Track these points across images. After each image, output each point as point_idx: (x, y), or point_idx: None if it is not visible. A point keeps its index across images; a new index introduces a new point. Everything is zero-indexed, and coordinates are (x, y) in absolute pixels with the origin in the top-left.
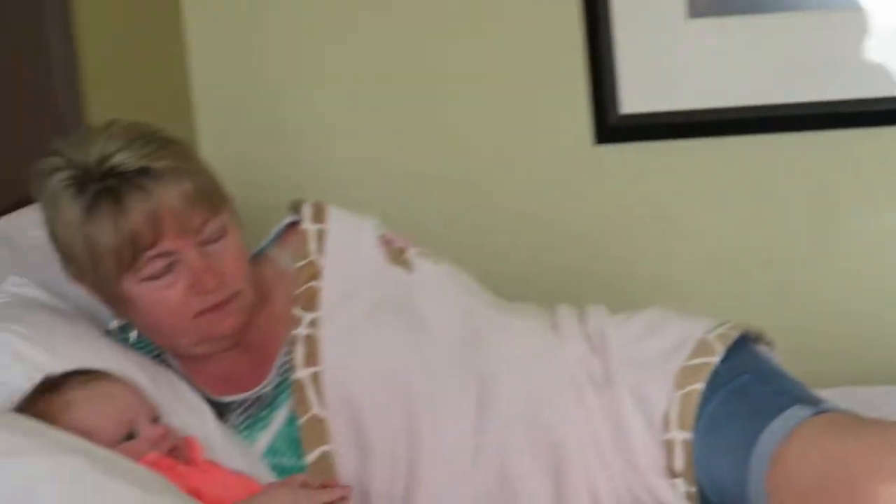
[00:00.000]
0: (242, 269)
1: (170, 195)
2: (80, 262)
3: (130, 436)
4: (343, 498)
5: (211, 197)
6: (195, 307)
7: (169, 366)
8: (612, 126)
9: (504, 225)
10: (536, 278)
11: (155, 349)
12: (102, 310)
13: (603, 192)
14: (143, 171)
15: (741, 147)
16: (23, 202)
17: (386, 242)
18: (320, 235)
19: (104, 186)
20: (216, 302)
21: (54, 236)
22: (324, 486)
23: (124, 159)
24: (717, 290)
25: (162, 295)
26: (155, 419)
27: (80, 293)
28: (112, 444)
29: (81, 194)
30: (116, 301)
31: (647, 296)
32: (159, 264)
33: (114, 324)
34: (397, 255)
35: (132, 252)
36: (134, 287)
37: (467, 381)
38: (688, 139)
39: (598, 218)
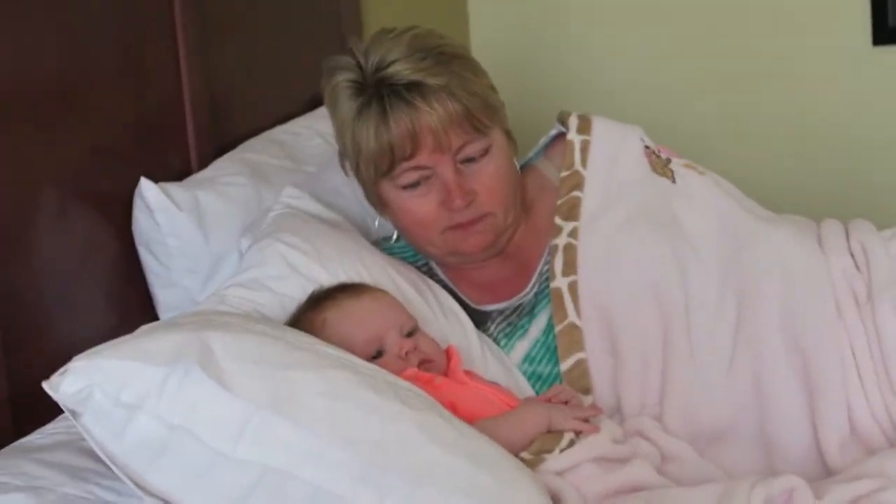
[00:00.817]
0: (499, 191)
1: (433, 114)
2: (349, 158)
3: (380, 353)
4: (595, 413)
5: (478, 119)
6: (442, 222)
7: (434, 274)
8: (892, 27)
9: (776, 131)
10: (807, 187)
11: (422, 258)
12: (371, 220)
13: (880, 96)
14: (415, 85)
15: None
16: (310, 105)
17: (651, 153)
18: (584, 146)
19: (375, 93)
20: (463, 221)
21: (334, 128)
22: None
23: (399, 69)
24: None
25: (414, 204)
26: (411, 331)
27: (350, 206)
28: (364, 360)
29: (356, 96)
30: (377, 200)
31: None
32: (413, 176)
33: (377, 225)
34: (662, 166)
35: (389, 160)
36: (391, 192)
37: (725, 291)
38: None
39: (875, 124)
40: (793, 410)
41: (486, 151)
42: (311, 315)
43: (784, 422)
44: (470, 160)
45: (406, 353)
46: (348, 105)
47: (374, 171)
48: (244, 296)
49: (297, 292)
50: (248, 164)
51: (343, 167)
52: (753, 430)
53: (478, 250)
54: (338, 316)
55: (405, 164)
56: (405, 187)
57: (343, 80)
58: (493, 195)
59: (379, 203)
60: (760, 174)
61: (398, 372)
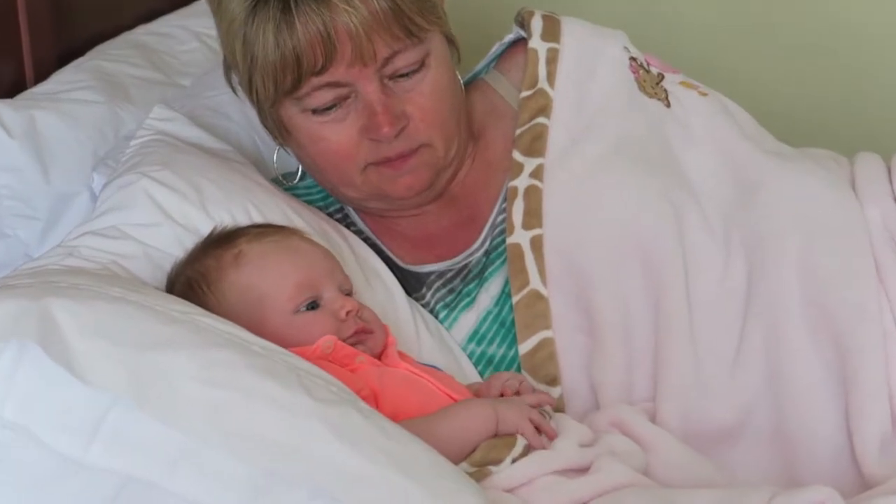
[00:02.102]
0: (439, 115)
1: (353, 13)
2: (238, 70)
3: (313, 304)
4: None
5: (411, 20)
6: (364, 156)
7: (352, 223)
8: None
9: (802, 40)
10: (839, 114)
11: (336, 202)
12: (268, 151)
13: None
14: None
15: None
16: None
17: (638, 67)
18: (552, 57)
19: None
20: (391, 154)
21: (219, 31)
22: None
23: None
24: None
25: (327, 132)
26: (348, 292)
27: (240, 131)
28: (288, 313)
29: None
30: (277, 126)
31: None
32: (327, 96)
33: (276, 158)
34: (653, 83)
35: (294, 75)
36: (296, 115)
37: (732, 250)
38: None
39: None
40: (818, 402)
41: (421, 64)
42: (216, 251)
43: (807, 417)
44: (401, 76)
45: (346, 314)
46: (238, 1)
47: (274, 88)
48: (99, 247)
49: (169, 243)
50: (102, 76)
51: (229, 82)
52: (768, 427)
53: (410, 193)
54: (261, 248)
55: (315, 80)
56: (316, 111)
57: None
58: (431, 120)
59: (279, 130)
60: (779, 96)
61: (320, 334)
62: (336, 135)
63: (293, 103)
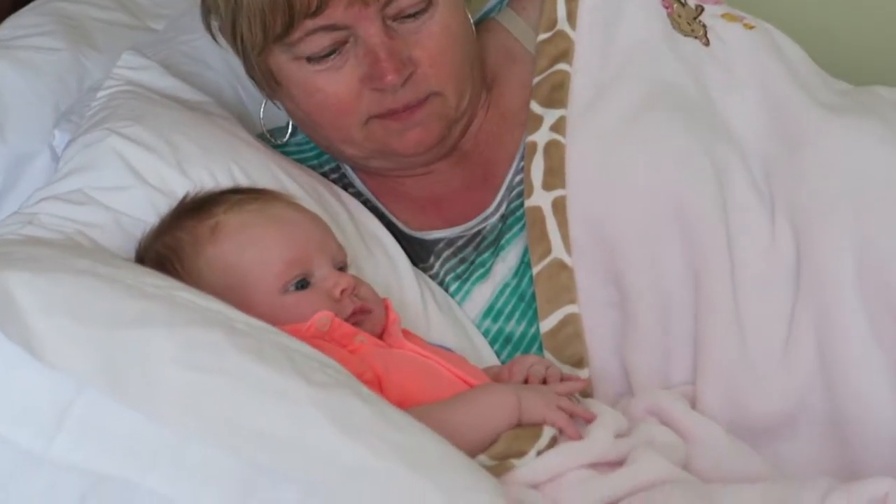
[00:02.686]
0: (449, 59)
1: None
2: (219, 14)
3: (303, 283)
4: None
5: None
6: (366, 107)
7: (350, 184)
8: None
9: None
10: None
11: (332, 160)
12: (253, 103)
13: None
14: None
15: None
16: None
17: (673, 0)
18: None
19: None
20: (397, 106)
21: None
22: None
23: None
24: None
25: (323, 81)
26: (342, 265)
27: (221, 81)
28: (275, 293)
29: None
30: (266, 76)
31: None
32: (323, 41)
33: (263, 113)
34: (689, 18)
35: (286, 17)
36: (288, 64)
37: (778, 213)
38: None
39: None
40: (878, 387)
41: (428, 2)
42: (189, 222)
43: (866, 403)
44: (406, 17)
45: (342, 293)
46: None
47: (263, 32)
48: (62, 213)
49: (142, 208)
50: (63, 19)
51: (209, 27)
52: (823, 415)
53: (419, 149)
54: (241, 219)
55: (309, 23)
56: (310, 59)
57: None
58: (441, 65)
59: (268, 81)
60: (841, 28)
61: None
62: (333, 85)
63: (284, 50)
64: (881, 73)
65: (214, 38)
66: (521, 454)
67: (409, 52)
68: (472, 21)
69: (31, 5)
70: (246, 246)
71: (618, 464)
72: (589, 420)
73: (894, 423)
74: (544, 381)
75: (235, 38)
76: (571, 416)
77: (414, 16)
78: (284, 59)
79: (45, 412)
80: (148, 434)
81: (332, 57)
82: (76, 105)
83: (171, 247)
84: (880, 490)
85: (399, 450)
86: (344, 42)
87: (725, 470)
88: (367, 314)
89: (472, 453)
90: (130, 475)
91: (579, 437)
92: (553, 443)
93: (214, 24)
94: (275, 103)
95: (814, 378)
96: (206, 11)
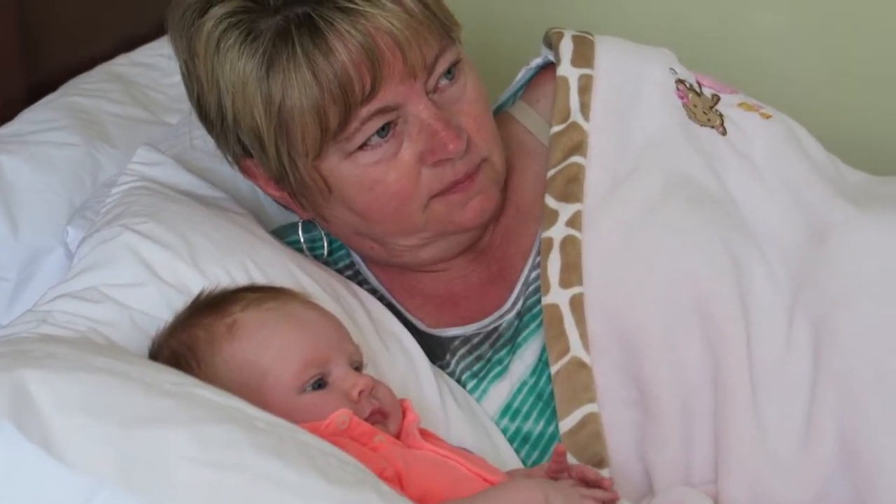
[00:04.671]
0: (489, 123)
1: (391, 17)
2: (258, 138)
3: (321, 383)
4: (615, 498)
5: (443, 14)
6: (428, 187)
7: (365, 281)
8: None
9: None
10: None
11: (345, 256)
12: (269, 199)
13: None
14: None
15: None
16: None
17: (687, 90)
18: (585, 85)
19: (288, 16)
20: (459, 176)
21: (207, 105)
22: (589, 482)
23: None
24: None
25: (381, 173)
26: (358, 365)
27: (237, 175)
28: (293, 393)
29: (255, 37)
30: (307, 192)
31: None
32: (377, 125)
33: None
34: (706, 108)
35: (343, 107)
36: (340, 165)
37: (797, 307)
38: None
39: None
40: None
41: (461, 68)
42: (205, 320)
43: (892, 499)
44: (444, 84)
45: (359, 394)
46: (245, 58)
47: (320, 130)
48: (77, 311)
49: (157, 306)
50: (77, 114)
51: (226, 155)
52: (848, 501)
53: (483, 217)
54: (259, 318)
55: (364, 111)
56: (362, 147)
57: (220, 19)
58: (484, 130)
59: (311, 194)
60: (861, 118)
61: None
62: (392, 172)
63: (337, 150)
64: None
65: (232, 165)
66: None
67: (457, 121)
68: None
69: (45, 99)
70: (264, 345)
71: None
72: None
73: None
74: (578, 478)
75: (279, 153)
76: None
77: (450, 82)
78: (337, 159)
79: None
80: None
81: (384, 145)
82: (90, 201)
83: (186, 344)
84: None
85: None
86: (393, 126)
87: None
88: (384, 416)
89: None
90: None
91: None
92: None
93: (237, 150)
94: (312, 222)
95: (837, 473)
96: (227, 145)
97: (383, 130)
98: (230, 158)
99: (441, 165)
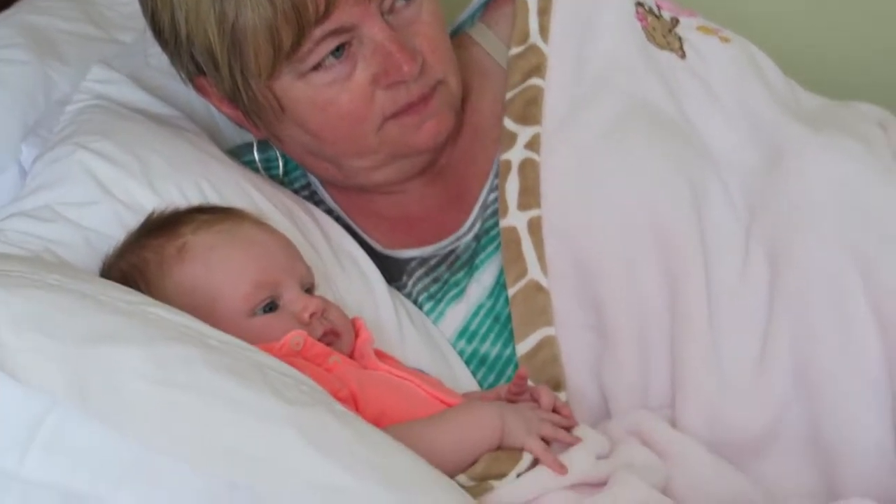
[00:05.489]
0: (445, 45)
1: None
2: (211, 57)
3: (272, 305)
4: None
5: None
6: (382, 108)
7: (321, 201)
8: None
9: None
10: (884, 65)
11: (302, 176)
12: (224, 118)
13: None
14: None
15: None
16: None
17: (647, 13)
18: (544, 6)
19: None
20: (413, 98)
21: (161, 22)
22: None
23: None
24: None
25: (334, 93)
26: (309, 287)
27: (191, 92)
28: (243, 316)
29: None
30: (261, 111)
31: None
32: (330, 46)
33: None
34: (665, 31)
35: (295, 28)
36: (293, 86)
37: (754, 231)
38: None
39: None
40: (858, 405)
41: None
42: (155, 241)
43: (846, 421)
44: (398, 9)
45: (310, 316)
46: None
47: (273, 50)
48: (30, 230)
49: (110, 224)
50: (30, 31)
51: (180, 73)
52: (803, 433)
53: (437, 140)
54: (209, 240)
55: (318, 31)
56: (316, 67)
57: None
58: (440, 52)
59: (266, 113)
60: (814, 42)
61: (280, 338)
62: (345, 93)
63: (290, 70)
64: (865, 90)
65: (186, 82)
66: (501, 476)
67: (412, 43)
68: None
69: None
70: (214, 268)
71: (598, 485)
72: (572, 444)
73: (877, 444)
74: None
75: (229, 77)
76: (553, 441)
77: (406, 5)
78: (290, 79)
79: (16, 430)
80: (119, 451)
81: (338, 65)
82: (44, 119)
83: (136, 266)
84: None
85: (374, 469)
86: (348, 46)
87: (706, 490)
88: (336, 337)
89: (452, 473)
90: (101, 492)
91: (558, 467)
92: (534, 464)
93: (190, 66)
94: (268, 141)
95: (792, 397)
96: (177, 56)
97: (337, 51)
98: (184, 76)
99: (395, 87)
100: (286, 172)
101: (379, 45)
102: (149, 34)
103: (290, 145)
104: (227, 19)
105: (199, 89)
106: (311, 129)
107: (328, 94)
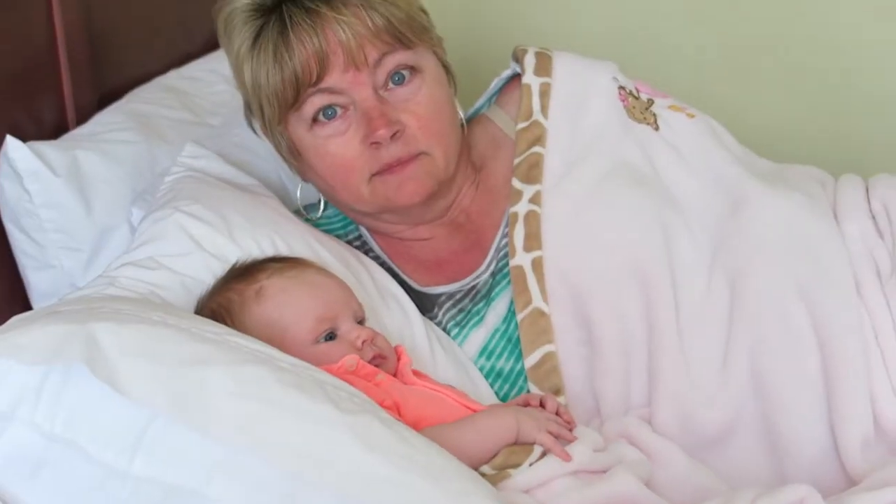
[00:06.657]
0: (435, 124)
1: (344, 23)
2: (250, 100)
3: (331, 335)
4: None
5: (400, 31)
6: (368, 165)
7: (369, 249)
8: None
9: (791, 70)
10: (824, 136)
11: (354, 229)
12: (291, 184)
13: None
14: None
15: None
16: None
17: (627, 95)
18: (544, 91)
19: (276, 13)
20: (391, 160)
21: (232, 69)
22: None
23: None
24: None
25: (332, 146)
26: (361, 319)
27: (266, 166)
28: (308, 344)
29: (253, 20)
30: (289, 150)
31: None
32: (322, 101)
33: (300, 192)
34: (642, 109)
35: (294, 89)
36: (301, 133)
37: (716, 266)
38: None
39: None
40: (803, 405)
41: (413, 71)
42: (238, 286)
43: (793, 419)
44: (395, 84)
45: (362, 343)
46: (243, 33)
47: (278, 105)
48: (138, 276)
49: (201, 272)
50: (138, 117)
51: (248, 121)
52: (758, 431)
53: (415, 199)
54: (281, 284)
55: (311, 90)
56: (315, 119)
57: (241, 4)
58: (428, 128)
59: (292, 154)
60: (766, 118)
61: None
62: (339, 148)
63: (296, 119)
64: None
65: (254, 131)
66: (516, 465)
67: (399, 116)
68: (461, 112)
69: (112, 106)
70: (285, 306)
71: (596, 473)
72: (570, 440)
73: (819, 438)
74: (542, 405)
75: (263, 119)
76: (557, 438)
77: (402, 84)
78: (298, 127)
79: (126, 436)
80: (208, 451)
81: (336, 122)
82: (149, 187)
83: (223, 305)
84: (797, 495)
85: (413, 463)
86: (346, 108)
87: (683, 483)
88: (383, 359)
89: (477, 464)
90: (195, 486)
91: (565, 455)
92: (543, 456)
93: (251, 116)
94: (301, 176)
95: (747, 396)
96: (248, 110)
97: (330, 110)
98: (256, 126)
99: (377, 148)
100: (343, 226)
101: (365, 111)
102: (233, 118)
103: (317, 186)
104: (254, 76)
105: (263, 134)
106: (320, 174)
107: (327, 146)
